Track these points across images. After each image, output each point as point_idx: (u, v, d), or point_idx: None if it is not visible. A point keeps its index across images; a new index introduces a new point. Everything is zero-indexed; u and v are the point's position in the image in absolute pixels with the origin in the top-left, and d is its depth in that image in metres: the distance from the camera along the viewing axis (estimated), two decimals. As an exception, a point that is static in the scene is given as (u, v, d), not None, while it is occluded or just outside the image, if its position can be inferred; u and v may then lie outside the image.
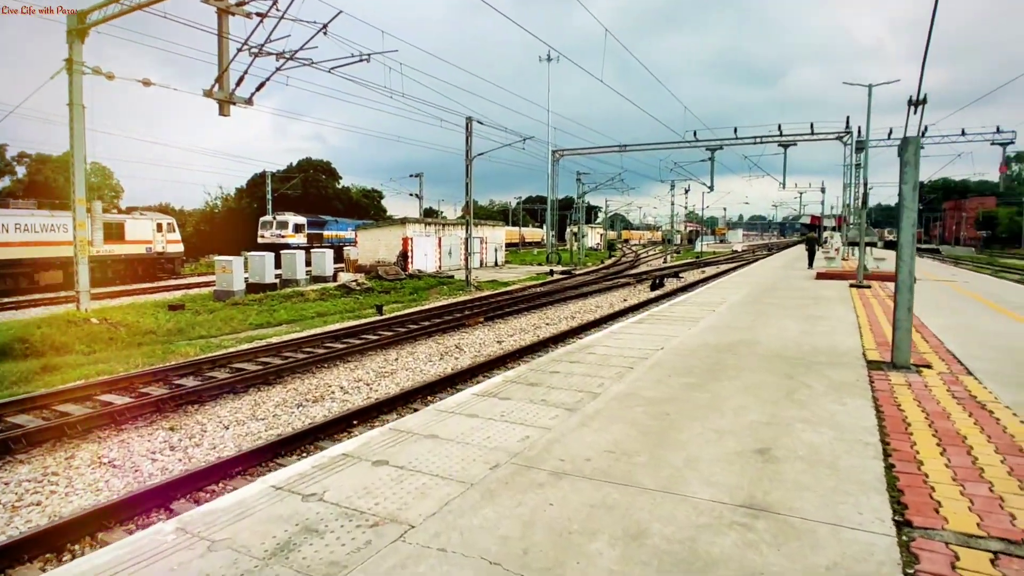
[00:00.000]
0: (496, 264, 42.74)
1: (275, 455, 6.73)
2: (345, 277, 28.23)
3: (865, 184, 15.78)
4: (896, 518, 3.11)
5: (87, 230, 16.62)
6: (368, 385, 10.16)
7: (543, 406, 5.13)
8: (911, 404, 5.15)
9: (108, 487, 6.22)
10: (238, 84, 11.97)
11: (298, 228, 39.06)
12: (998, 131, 38.39)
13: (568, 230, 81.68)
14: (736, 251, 79.25)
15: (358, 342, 13.54)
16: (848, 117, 36.40)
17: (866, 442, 4.23)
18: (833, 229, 75.40)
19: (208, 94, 11.65)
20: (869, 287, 16.11)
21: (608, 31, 16.46)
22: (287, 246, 34.39)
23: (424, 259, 33.77)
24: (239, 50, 11.76)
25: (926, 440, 4.27)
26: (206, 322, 16.77)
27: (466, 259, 27.35)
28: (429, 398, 9.24)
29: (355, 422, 7.90)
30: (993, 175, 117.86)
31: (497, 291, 26.25)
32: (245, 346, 13.44)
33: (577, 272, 38.21)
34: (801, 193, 77.35)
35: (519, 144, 26.66)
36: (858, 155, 39.38)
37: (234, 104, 11.96)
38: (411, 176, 47.42)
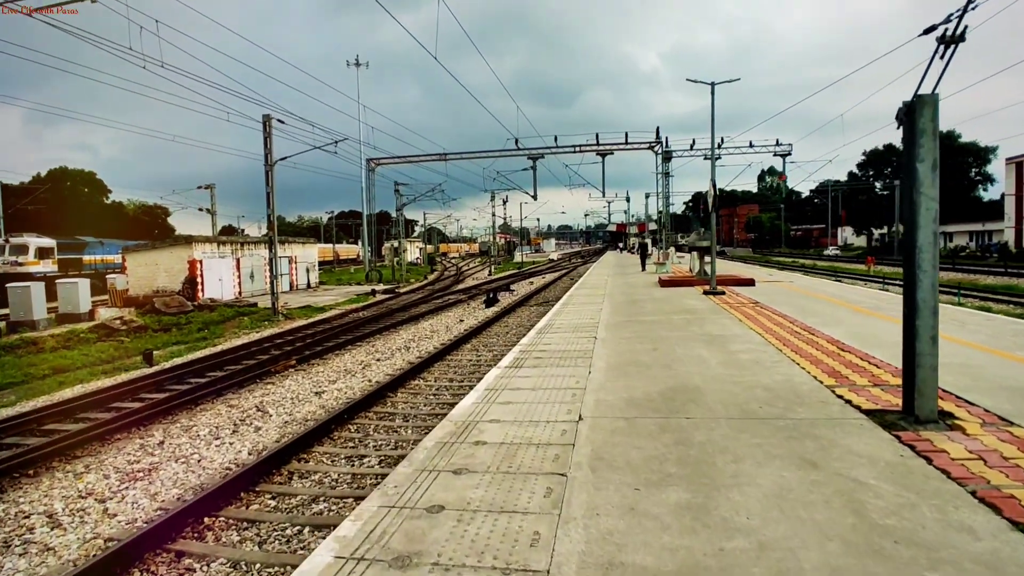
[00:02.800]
0: (309, 286, 37.90)
1: None
2: (107, 314, 22.21)
3: (714, 186, 14.85)
4: None
5: None
6: (102, 503, 6.28)
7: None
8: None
9: None
10: None
11: (44, 253, 30.84)
12: (777, 143, 42.40)
13: (387, 245, 77.79)
14: (553, 260, 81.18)
15: (104, 417, 9.27)
16: (658, 128, 37.64)
17: None
18: (635, 235, 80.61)
19: None
20: (724, 293, 15.22)
21: (446, 2, 13.76)
22: (28, 276, 26.77)
23: (219, 285, 28.25)
24: None
25: None
26: None
27: (271, 283, 22.90)
28: (207, 520, 5.69)
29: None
30: (754, 185, 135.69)
31: (312, 319, 22.24)
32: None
33: (401, 290, 34.99)
34: (609, 203, 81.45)
35: (330, 147, 22.96)
36: (665, 164, 41.18)
37: None
38: (200, 188, 40.57)
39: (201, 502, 5.82)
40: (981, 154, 77.48)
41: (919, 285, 4.43)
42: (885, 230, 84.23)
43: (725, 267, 28.02)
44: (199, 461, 7.43)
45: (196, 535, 5.42)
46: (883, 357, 6.88)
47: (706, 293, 15.36)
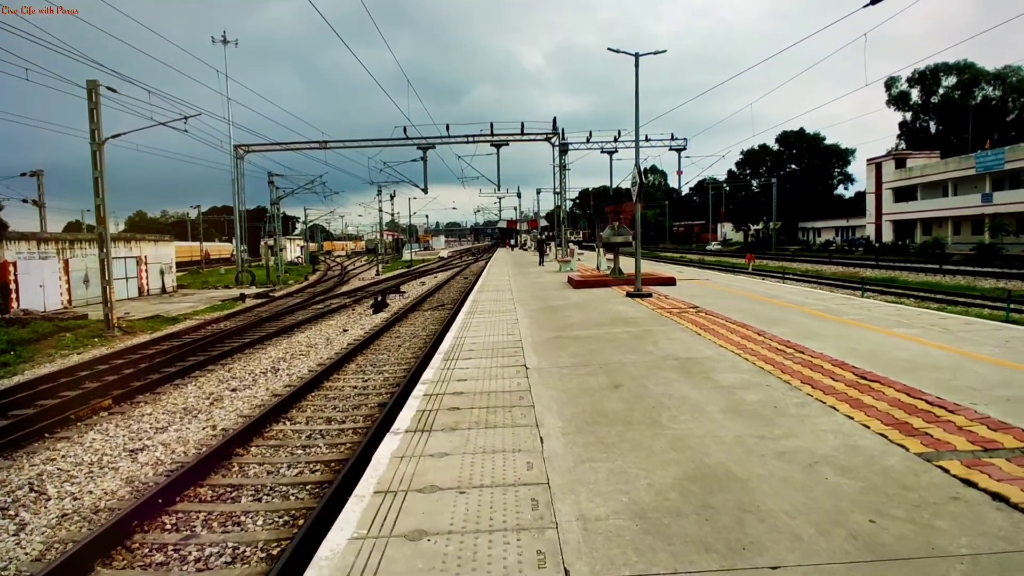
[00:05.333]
0: (164, 291, 32.69)
1: None
2: None
3: (639, 169, 12.93)
4: None
5: None
6: None
7: None
8: None
9: None
10: None
11: None
12: (673, 138, 42.24)
13: (263, 243, 71.46)
14: (443, 257, 78.52)
15: None
16: (555, 118, 36.08)
17: None
18: (527, 232, 79.77)
19: None
20: (651, 295, 13.37)
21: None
22: None
23: (40, 293, 23.02)
24: None
25: None
26: None
27: (104, 289, 18.56)
28: None
29: None
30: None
31: (158, 334, 18.22)
32: None
33: (277, 294, 30.95)
34: (500, 199, 79.77)
35: (178, 123, 18.93)
36: (563, 156, 39.74)
37: None
38: (24, 175, 33.57)
39: None
40: (843, 155, 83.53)
41: None
42: (761, 225, 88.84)
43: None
44: None
45: None
46: (938, 392, 4.98)
47: (630, 296, 13.46)
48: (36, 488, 6.48)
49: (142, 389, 10.75)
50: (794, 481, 3.38)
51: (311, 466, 6.79)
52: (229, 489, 6.25)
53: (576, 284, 16.89)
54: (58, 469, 7.03)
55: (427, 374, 6.59)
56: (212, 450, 7.07)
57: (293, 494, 6.07)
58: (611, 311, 11.08)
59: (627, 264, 18.50)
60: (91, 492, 6.34)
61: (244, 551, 4.98)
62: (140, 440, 8.08)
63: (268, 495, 6.08)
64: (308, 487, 6.20)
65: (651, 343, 7.74)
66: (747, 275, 27.34)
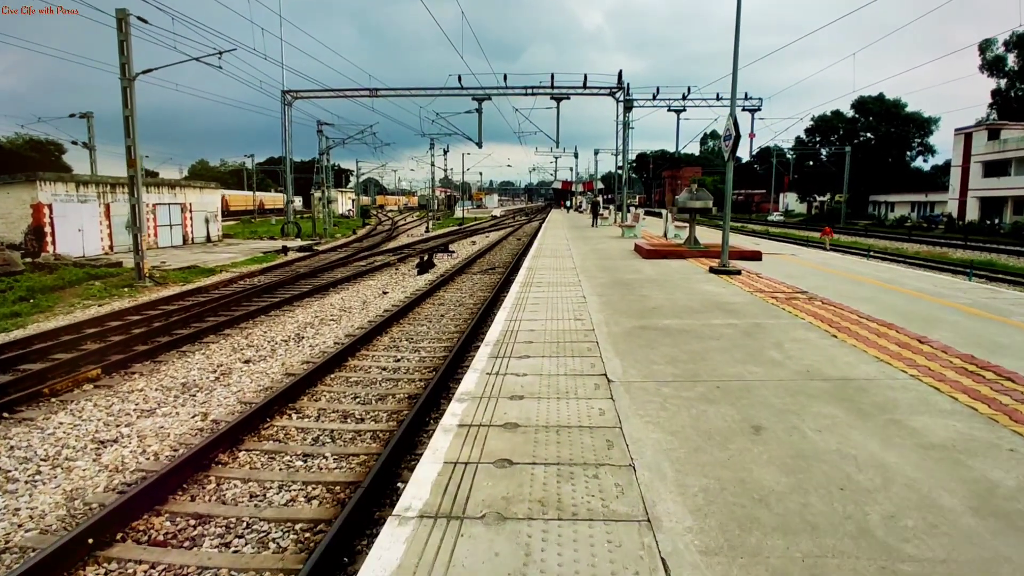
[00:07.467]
0: (209, 240, 31.87)
1: None
2: None
3: (735, 122, 10.58)
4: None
5: None
6: None
7: None
8: None
9: None
10: None
11: None
12: (747, 97, 38.66)
13: (313, 195, 70.89)
14: (496, 216, 76.61)
15: None
16: (620, 71, 33.23)
17: None
18: (581, 194, 76.95)
19: None
20: (740, 272, 11.16)
21: None
22: None
23: (78, 237, 22.24)
24: None
25: None
26: None
27: (134, 236, 17.40)
28: None
29: None
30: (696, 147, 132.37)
31: (189, 286, 17.03)
32: None
33: (321, 247, 29.69)
34: (556, 158, 76.85)
35: (212, 58, 17.33)
36: (627, 114, 36.82)
37: None
38: (72, 116, 33.07)
39: None
40: (924, 124, 76.65)
41: None
42: (827, 197, 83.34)
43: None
44: None
45: None
46: None
47: (714, 271, 11.28)
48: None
49: (143, 356, 9.30)
50: None
51: (308, 490, 5.07)
52: (192, 523, 4.59)
53: (646, 254, 14.72)
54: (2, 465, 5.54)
55: (467, 383, 4.71)
56: (190, 454, 5.45)
57: (275, 540, 4.36)
58: (699, 292, 8.96)
59: (700, 233, 16.22)
60: (16, 512, 4.78)
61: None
62: (116, 427, 6.55)
63: (241, 538, 4.39)
64: (297, 529, 4.49)
65: (772, 346, 5.66)
66: (821, 249, 24.47)
